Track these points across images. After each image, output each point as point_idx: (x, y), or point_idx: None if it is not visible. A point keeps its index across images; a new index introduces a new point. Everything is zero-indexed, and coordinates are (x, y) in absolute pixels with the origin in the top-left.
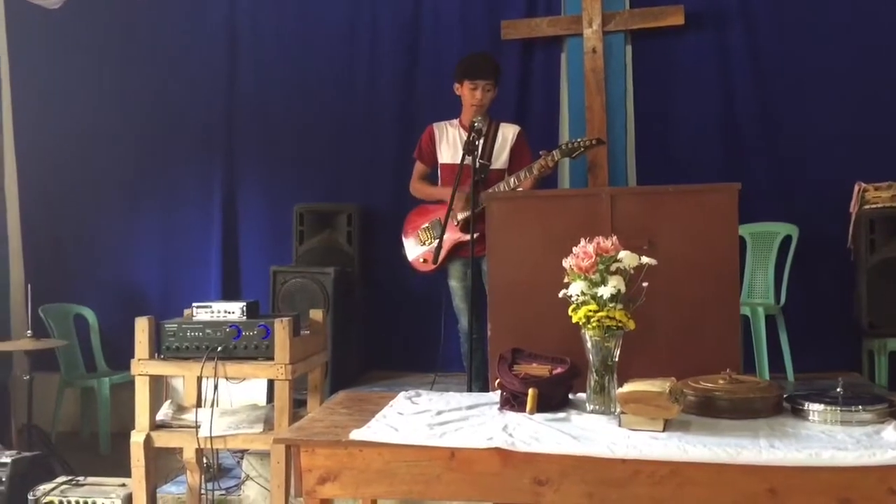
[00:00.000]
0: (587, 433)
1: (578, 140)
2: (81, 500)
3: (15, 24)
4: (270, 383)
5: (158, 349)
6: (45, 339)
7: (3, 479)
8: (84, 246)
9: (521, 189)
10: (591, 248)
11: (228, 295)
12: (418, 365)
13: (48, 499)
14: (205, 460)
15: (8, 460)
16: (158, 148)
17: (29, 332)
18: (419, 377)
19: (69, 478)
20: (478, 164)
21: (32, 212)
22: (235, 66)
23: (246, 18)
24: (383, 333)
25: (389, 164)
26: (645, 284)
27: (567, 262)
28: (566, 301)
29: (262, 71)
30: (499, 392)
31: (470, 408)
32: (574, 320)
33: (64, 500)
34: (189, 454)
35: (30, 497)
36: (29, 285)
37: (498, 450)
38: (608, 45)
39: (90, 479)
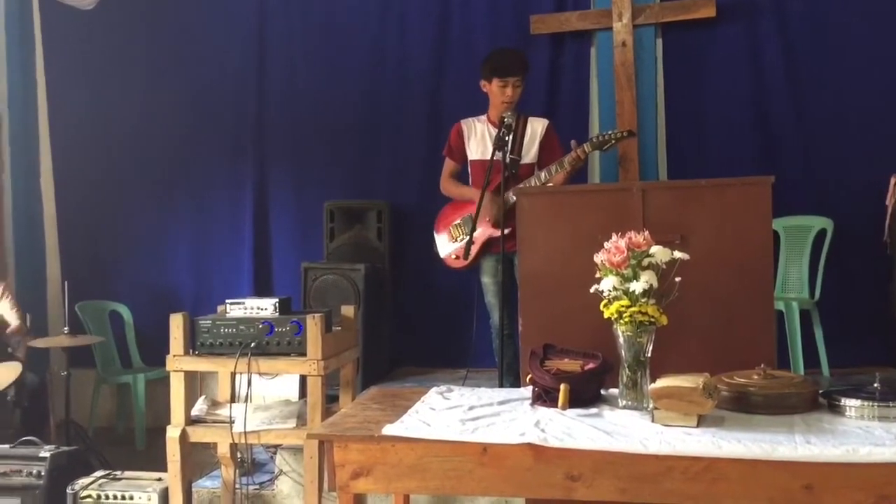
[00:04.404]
0: (620, 429)
1: (609, 132)
2: (119, 495)
3: (50, 25)
4: (302, 379)
5: (193, 345)
6: (81, 336)
7: (43, 474)
8: (118, 244)
9: (552, 184)
10: (622, 242)
11: (260, 291)
12: (448, 361)
13: (86, 493)
14: (238, 455)
15: (47, 455)
16: (190, 146)
17: (66, 328)
18: (449, 373)
19: (106, 472)
20: (508, 160)
21: (68, 210)
22: (265, 65)
23: (275, 17)
24: (414, 329)
25: (419, 159)
26: (678, 279)
27: (598, 258)
28: (598, 296)
29: (291, 69)
30: (530, 388)
31: (502, 403)
32: (606, 316)
33: (102, 494)
34: (223, 449)
35: (68, 491)
36: (66, 282)
37: (530, 445)
38: (638, 38)
39: (127, 474)
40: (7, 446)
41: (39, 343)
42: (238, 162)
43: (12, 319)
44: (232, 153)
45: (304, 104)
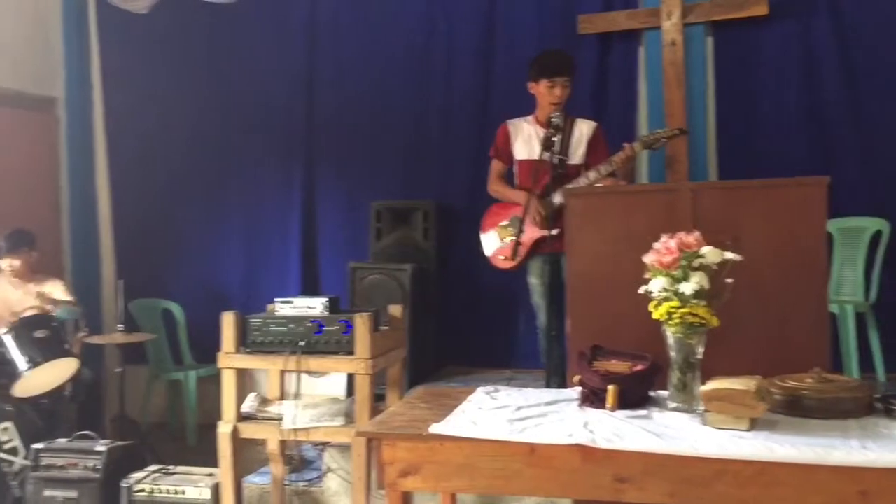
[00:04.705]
0: (670, 431)
1: (659, 131)
2: (171, 489)
3: (105, 28)
4: (349, 377)
5: (244, 343)
6: (135, 334)
7: (99, 467)
8: (171, 243)
9: (600, 184)
10: (673, 243)
11: (307, 291)
12: (494, 361)
13: (140, 486)
14: (287, 452)
15: (103, 449)
16: (241, 148)
17: (121, 326)
18: (495, 373)
19: (159, 467)
20: (556, 160)
21: (123, 211)
22: (315, 68)
23: (325, 20)
24: (459, 329)
25: (465, 160)
26: (729, 281)
27: (648, 258)
28: (647, 297)
29: (340, 72)
30: (577, 389)
31: (549, 404)
32: (655, 317)
33: (155, 488)
34: (273, 446)
35: (122, 485)
36: (122, 281)
37: (578, 446)
38: (688, 37)
39: (179, 469)
40: (65, 440)
41: (95, 339)
42: (287, 163)
43: (61, 297)
44: (281, 155)
45: (352, 106)
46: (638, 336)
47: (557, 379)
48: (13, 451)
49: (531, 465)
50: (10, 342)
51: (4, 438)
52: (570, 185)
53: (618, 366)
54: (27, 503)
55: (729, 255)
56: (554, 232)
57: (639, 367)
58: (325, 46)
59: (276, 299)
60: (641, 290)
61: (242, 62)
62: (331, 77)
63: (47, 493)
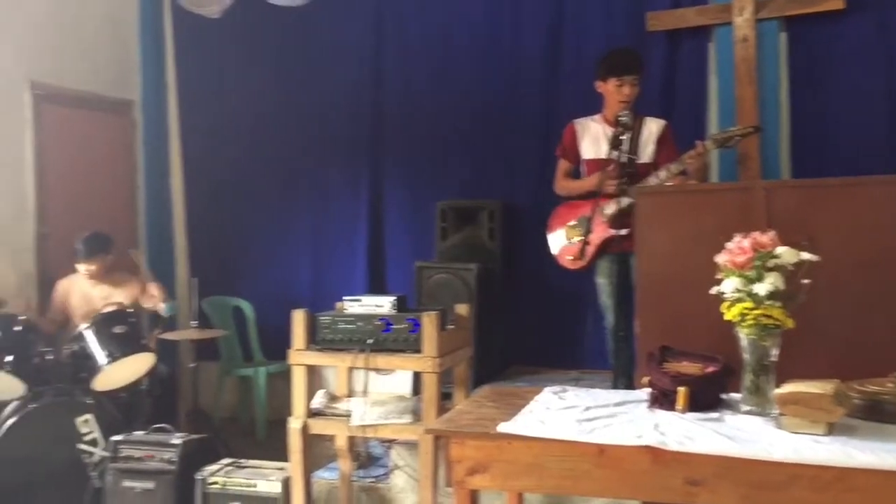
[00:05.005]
0: (743, 434)
1: (732, 129)
2: (244, 482)
3: (180, 33)
4: (415, 376)
5: (313, 340)
6: (207, 330)
7: (175, 460)
8: (242, 243)
9: (670, 183)
10: (746, 243)
11: (374, 289)
12: (559, 361)
13: (213, 479)
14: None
15: (179, 442)
16: (310, 149)
17: (194, 322)
18: (561, 373)
19: (232, 460)
20: (626, 159)
21: (196, 212)
22: (381, 68)
23: (392, 20)
24: (525, 329)
25: (531, 159)
26: (806, 282)
27: (720, 258)
28: (718, 298)
29: (406, 71)
30: (646, 390)
31: (618, 405)
32: (727, 318)
33: (228, 480)
34: (341, 442)
35: (197, 477)
36: (196, 279)
37: (648, 448)
38: (761, 32)
39: (251, 462)
40: (142, 433)
41: (170, 336)
42: (355, 164)
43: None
44: (349, 155)
45: (418, 106)
46: (709, 337)
47: (625, 380)
48: (93, 443)
49: (600, 466)
50: (90, 337)
51: (85, 430)
52: (639, 184)
53: (689, 367)
54: (106, 493)
55: (805, 256)
56: (623, 232)
57: (711, 369)
58: (391, 48)
59: (344, 297)
60: (713, 290)
61: (311, 64)
62: (397, 78)
63: (125, 483)
